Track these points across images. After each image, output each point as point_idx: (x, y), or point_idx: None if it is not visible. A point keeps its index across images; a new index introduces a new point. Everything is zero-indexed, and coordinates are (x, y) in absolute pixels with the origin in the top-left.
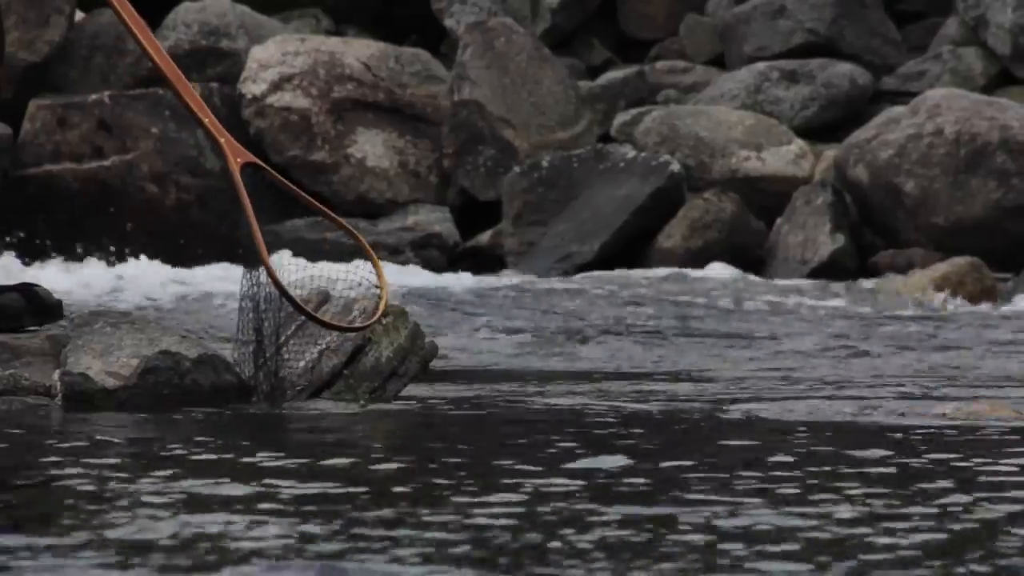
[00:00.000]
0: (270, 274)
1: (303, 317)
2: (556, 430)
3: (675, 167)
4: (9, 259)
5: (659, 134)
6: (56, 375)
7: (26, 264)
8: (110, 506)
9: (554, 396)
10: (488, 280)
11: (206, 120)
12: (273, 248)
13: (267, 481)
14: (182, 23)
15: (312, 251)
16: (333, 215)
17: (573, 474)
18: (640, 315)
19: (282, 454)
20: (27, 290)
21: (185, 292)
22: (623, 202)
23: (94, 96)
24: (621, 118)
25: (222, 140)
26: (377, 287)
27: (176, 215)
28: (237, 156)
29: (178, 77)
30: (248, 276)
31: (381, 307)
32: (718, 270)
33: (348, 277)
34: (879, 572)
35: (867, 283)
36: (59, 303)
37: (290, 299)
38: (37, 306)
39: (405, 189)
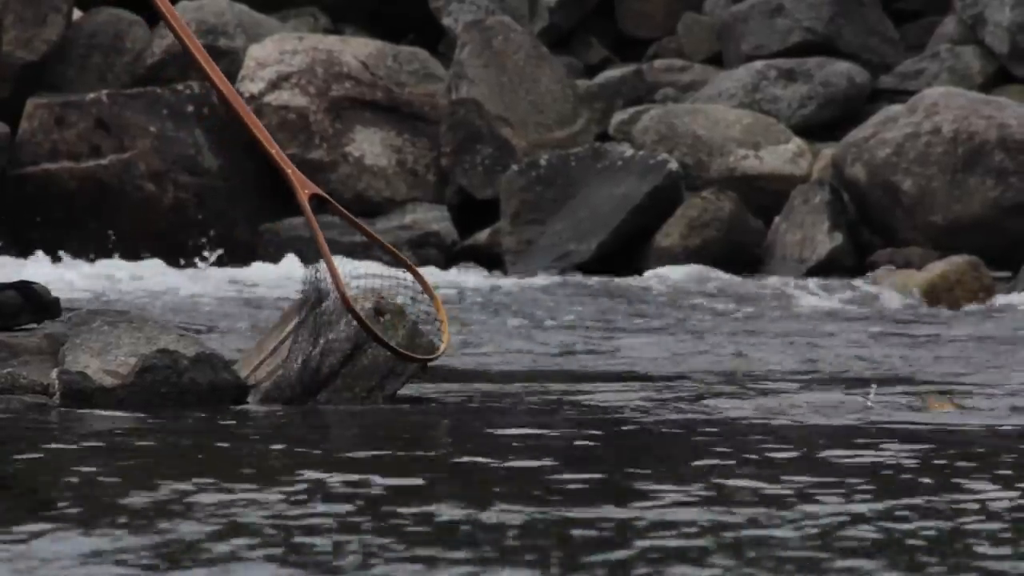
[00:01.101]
0: (345, 302)
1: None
2: (553, 429)
3: (673, 166)
4: (6, 258)
5: (657, 133)
6: (54, 374)
7: (24, 263)
8: (108, 506)
9: (551, 395)
10: (486, 279)
11: (273, 151)
12: (273, 246)
13: (265, 480)
14: None
15: (314, 249)
16: (396, 251)
17: (572, 472)
18: (638, 315)
19: (279, 453)
20: (25, 288)
21: (183, 290)
22: (621, 201)
23: (92, 95)
24: (619, 117)
25: (289, 171)
26: (439, 320)
27: (174, 214)
28: (304, 188)
29: (243, 107)
30: (309, 285)
31: (445, 340)
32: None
33: (413, 308)
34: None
35: (865, 282)
36: (56, 300)
37: (365, 326)
38: (35, 303)
39: (403, 188)
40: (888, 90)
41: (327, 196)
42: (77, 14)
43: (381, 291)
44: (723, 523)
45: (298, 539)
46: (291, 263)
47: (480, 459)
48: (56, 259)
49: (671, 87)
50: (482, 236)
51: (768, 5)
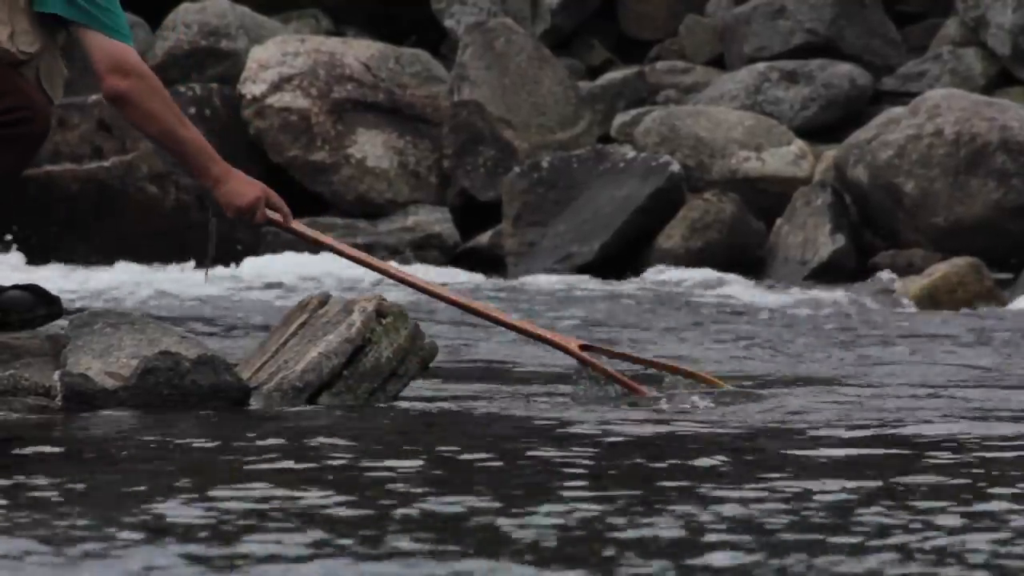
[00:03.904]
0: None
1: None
2: (553, 432)
3: (675, 167)
4: (8, 259)
5: (659, 134)
6: (56, 375)
7: (24, 264)
8: (109, 507)
9: (553, 396)
10: (488, 280)
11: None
12: (274, 247)
13: (265, 482)
14: (182, 23)
15: (312, 251)
16: (663, 363)
17: (571, 472)
18: (637, 315)
19: (281, 455)
20: (27, 288)
21: (185, 292)
22: (623, 202)
23: (94, 96)
24: (621, 118)
25: (548, 336)
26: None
27: (175, 215)
28: (569, 343)
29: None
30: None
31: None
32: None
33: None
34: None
35: (867, 284)
36: (58, 299)
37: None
38: (46, 300)
39: (405, 189)
40: (890, 92)
41: (591, 344)
42: None
43: (382, 297)
44: (697, 513)
45: (300, 539)
46: (291, 264)
47: (480, 459)
48: (58, 260)
49: (673, 89)
50: (484, 238)
51: (770, 7)
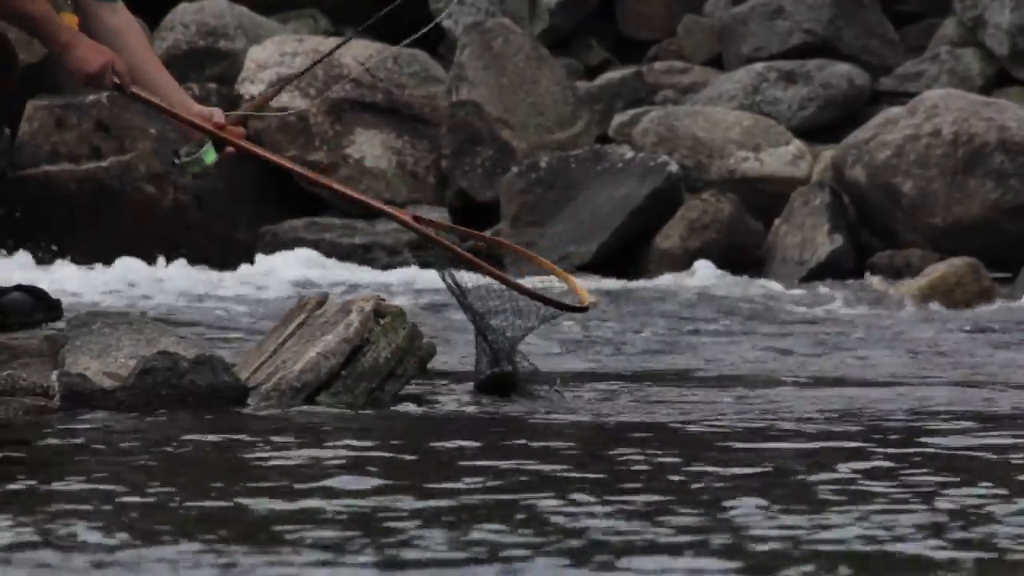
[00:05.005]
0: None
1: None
2: (552, 430)
3: (673, 167)
4: (6, 260)
5: (657, 134)
6: (54, 376)
7: (23, 264)
8: (108, 507)
9: (552, 394)
10: (486, 281)
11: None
12: (272, 248)
13: (263, 482)
14: (180, 24)
15: (310, 251)
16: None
17: (569, 473)
18: (637, 316)
19: (278, 455)
20: (30, 289)
21: (183, 292)
22: (621, 202)
23: (92, 97)
24: (619, 119)
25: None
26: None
27: (173, 215)
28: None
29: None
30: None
31: (583, 296)
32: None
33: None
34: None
35: (865, 284)
36: (58, 302)
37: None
38: (45, 302)
39: (403, 189)
40: (888, 92)
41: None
42: None
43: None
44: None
45: (298, 539)
46: (289, 265)
47: (478, 460)
48: (56, 260)
49: (671, 89)
50: None
51: (768, 7)
